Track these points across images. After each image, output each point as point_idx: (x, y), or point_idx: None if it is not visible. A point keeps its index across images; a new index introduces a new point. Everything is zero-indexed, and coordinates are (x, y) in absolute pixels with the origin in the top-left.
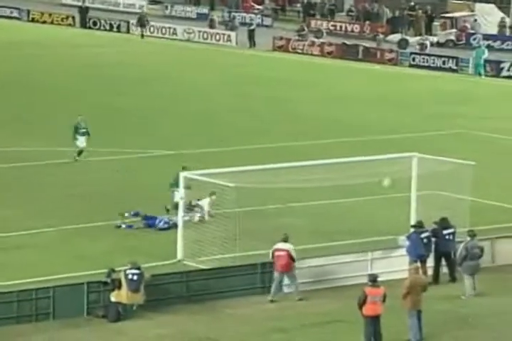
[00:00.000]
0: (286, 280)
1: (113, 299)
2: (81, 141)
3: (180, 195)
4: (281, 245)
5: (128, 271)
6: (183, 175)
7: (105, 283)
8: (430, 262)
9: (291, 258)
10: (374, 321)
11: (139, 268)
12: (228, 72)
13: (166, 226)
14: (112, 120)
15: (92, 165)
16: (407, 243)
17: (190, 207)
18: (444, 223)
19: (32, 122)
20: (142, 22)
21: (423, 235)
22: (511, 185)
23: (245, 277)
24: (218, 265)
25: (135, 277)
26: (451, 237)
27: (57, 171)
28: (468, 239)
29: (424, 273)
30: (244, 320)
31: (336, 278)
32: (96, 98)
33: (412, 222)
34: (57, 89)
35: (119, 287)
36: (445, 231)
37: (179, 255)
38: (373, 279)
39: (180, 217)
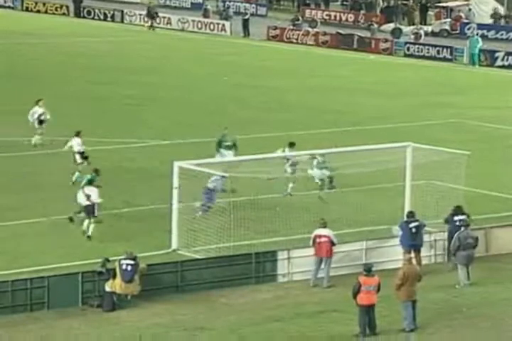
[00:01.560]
0: (321, 265)
1: (108, 289)
2: (226, 155)
3: (175, 184)
4: (322, 231)
5: (122, 261)
6: (177, 164)
7: (100, 273)
8: (425, 252)
9: (333, 244)
10: (368, 310)
11: (134, 259)
12: (222, 62)
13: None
14: (107, 110)
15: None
16: (400, 233)
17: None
18: (457, 210)
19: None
20: (151, 14)
21: (412, 225)
22: (505, 175)
23: (240, 267)
24: (213, 255)
25: (129, 267)
26: (462, 223)
27: (52, 160)
28: (462, 228)
29: (418, 262)
30: (239, 310)
31: (331, 267)
32: (84, 87)
33: (406, 212)
34: (49, 77)
35: (114, 277)
36: (456, 218)
37: (174, 245)
38: (368, 269)
39: (175, 207)
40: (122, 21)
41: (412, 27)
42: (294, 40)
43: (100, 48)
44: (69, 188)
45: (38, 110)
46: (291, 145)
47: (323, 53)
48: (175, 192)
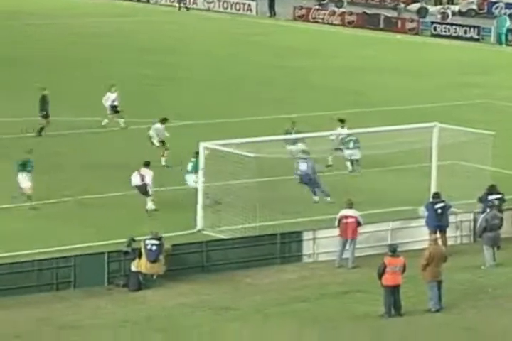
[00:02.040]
0: (347, 246)
1: (133, 268)
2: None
3: (201, 165)
4: (348, 211)
5: (147, 241)
6: (203, 145)
7: (126, 253)
8: (450, 233)
9: (359, 224)
10: (393, 291)
11: (159, 239)
12: (248, 42)
13: None
14: (132, 90)
15: (112, 135)
16: (426, 213)
17: None
18: (491, 189)
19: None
20: None
21: (437, 206)
22: None
23: (265, 247)
24: (238, 235)
25: (154, 248)
26: (496, 202)
27: (77, 141)
28: (488, 209)
29: (444, 243)
30: (264, 290)
31: (356, 248)
32: (110, 67)
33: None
34: (71, 58)
35: (140, 257)
36: (490, 197)
37: (199, 225)
38: (393, 249)
39: (200, 187)
40: (148, 1)
41: (439, 6)
42: (320, 20)
43: (126, 28)
44: (97, 168)
45: (110, 96)
46: (342, 121)
47: (349, 33)
48: (200, 173)
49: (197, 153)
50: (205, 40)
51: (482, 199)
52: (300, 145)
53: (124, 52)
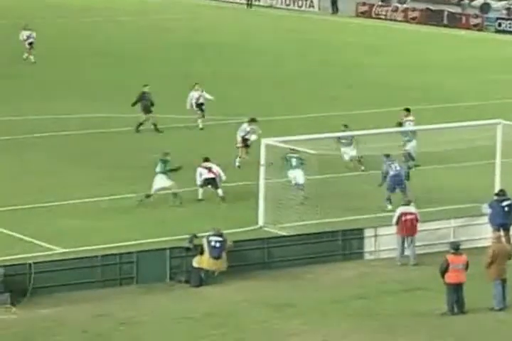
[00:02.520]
0: (406, 244)
1: (195, 265)
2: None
3: (262, 161)
4: (407, 208)
5: (211, 238)
6: (265, 141)
7: (188, 249)
8: None
9: (417, 221)
10: (456, 289)
11: (221, 235)
12: (310, 39)
13: None
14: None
15: (173, 133)
16: (489, 211)
17: None
18: None
19: (108, 89)
20: None
21: (504, 203)
22: None
23: (326, 244)
24: (299, 232)
25: (218, 244)
26: None
27: (142, 137)
28: None
29: (508, 241)
30: (325, 287)
31: (418, 246)
32: (167, 65)
33: (496, 190)
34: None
35: (202, 253)
36: None
37: (260, 221)
38: (456, 247)
39: (262, 183)
40: None
41: (504, 2)
42: (383, 16)
43: (181, 25)
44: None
45: (194, 94)
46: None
47: (412, 29)
48: (262, 169)
49: (166, 153)
50: (266, 36)
51: None
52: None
53: (191, 49)
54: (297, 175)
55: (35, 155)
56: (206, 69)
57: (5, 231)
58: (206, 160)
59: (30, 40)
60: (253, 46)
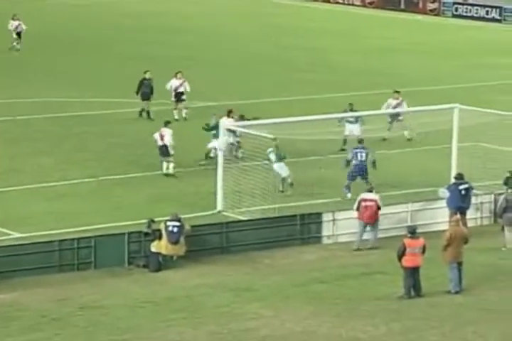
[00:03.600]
0: (367, 229)
1: (153, 249)
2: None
3: (219, 146)
4: (368, 195)
5: (168, 223)
6: (224, 125)
7: (146, 234)
8: (470, 214)
9: (378, 208)
10: (413, 272)
11: (179, 220)
12: (267, 22)
13: None
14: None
15: (131, 116)
16: (447, 194)
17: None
18: None
19: (78, 73)
20: None
21: (461, 187)
22: None
23: (284, 228)
24: (258, 216)
25: (175, 229)
26: None
27: (99, 121)
28: (510, 190)
29: (464, 224)
30: (284, 271)
31: (372, 231)
32: (128, 48)
33: (453, 174)
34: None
35: (160, 238)
36: None
37: (219, 206)
38: (412, 231)
39: (220, 168)
40: None
41: None
42: (341, 1)
43: (144, 9)
44: (116, 148)
45: (174, 82)
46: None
47: (369, 14)
48: (220, 154)
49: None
50: (227, 20)
51: (506, 182)
52: (356, 130)
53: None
54: (280, 169)
55: None
56: (166, 52)
57: None
58: (166, 124)
59: (19, 30)
60: (211, 29)
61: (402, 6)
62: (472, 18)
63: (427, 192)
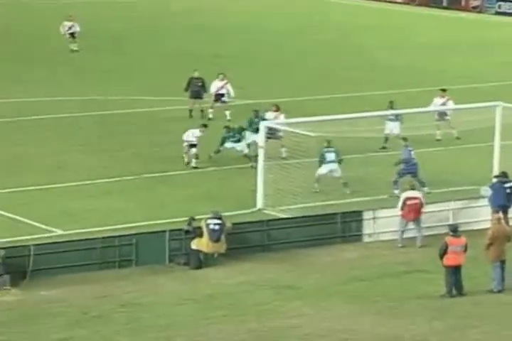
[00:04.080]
0: (411, 226)
1: (194, 247)
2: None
3: (260, 144)
4: (413, 193)
5: (209, 221)
6: (264, 124)
7: (187, 232)
8: None
9: (421, 205)
10: (455, 271)
11: (220, 218)
12: (310, 20)
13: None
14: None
15: (176, 114)
16: (490, 193)
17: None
18: None
19: (117, 71)
20: None
21: (507, 185)
22: None
23: (325, 226)
24: (298, 214)
25: (216, 227)
26: None
27: (143, 119)
28: None
29: (507, 223)
30: (325, 269)
31: (418, 228)
32: (173, 45)
33: (495, 172)
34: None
35: (201, 235)
36: None
37: (259, 204)
38: (454, 229)
39: (260, 166)
40: None
41: None
42: None
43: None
44: (158, 146)
45: (217, 84)
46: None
47: (412, 11)
48: (261, 151)
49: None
50: (266, 18)
51: None
52: (396, 128)
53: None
54: (333, 169)
55: (38, 137)
56: (209, 51)
57: (5, 213)
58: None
59: (72, 31)
60: (254, 27)
61: (445, 4)
62: None
63: (469, 191)
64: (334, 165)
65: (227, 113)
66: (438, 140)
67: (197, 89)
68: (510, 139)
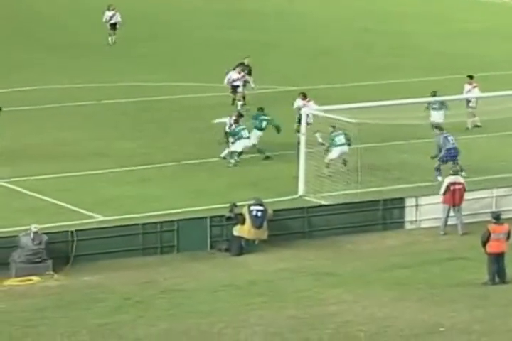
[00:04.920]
0: (452, 213)
1: (235, 233)
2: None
3: (302, 131)
4: (456, 178)
5: (252, 207)
6: (304, 110)
7: (228, 218)
8: None
9: (465, 191)
10: (498, 259)
11: (262, 204)
12: (349, 6)
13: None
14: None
15: (215, 100)
16: None
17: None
18: None
19: (160, 58)
20: None
21: None
22: None
23: (367, 213)
24: (339, 201)
25: (259, 213)
26: None
27: (182, 106)
28: None
29: None
30: (366, 256)
31: (458, 216)
32: (206, 32)
33: None
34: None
35: (243, 222)
36: None
37: (300, 191)
38: (497, 216)
39: (302, 153)
40: None
41: None
42: None
43: None
44: (199, 133)
45: (232, 75)
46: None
47: None
48: (302, 138)
49: (260, 109)
50: (308, 4)
51: None
52: (439, 117)
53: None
54: (344, 152)
55: (80, 123)
56: (245, 37)
57: (48, 199)
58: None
59: (113, 21)
60: (292, 13)
61: None
62: None
63: (511, 178)
64: (345, 148)
65: (239, 103)
66: (467, 128)
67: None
68: None
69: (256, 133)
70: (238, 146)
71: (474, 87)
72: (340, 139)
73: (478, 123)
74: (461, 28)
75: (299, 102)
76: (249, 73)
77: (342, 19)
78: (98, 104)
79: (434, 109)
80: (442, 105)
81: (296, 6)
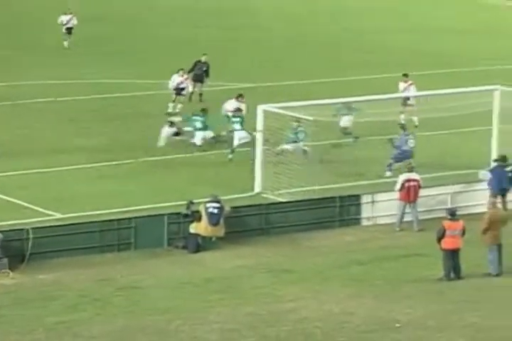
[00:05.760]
0: (408, 209)
1: (192, 231)
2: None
3: (259, 127)
4: (411, 175)
5: (208, 205)
6: (261, 108)
7: (185, 215)
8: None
9: (420, 188)
10: (453, 255)
11: (218, 202)
12: (317, 4)
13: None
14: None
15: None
16: (489, 177)
17: None
18: None
19: (128, 55)
20: None
21: (508, 169)
22: None
23: (324, 210)
24: (297, 198)
25: (215, 211)
26: None
27: (144, 103)
28: None
29: (504, 207)
30: (323, 253)
31: (413, 212)
32: (174, 30)
33: (494, 156)
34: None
35: (199, 219)
36: None
37: (257, 188)
38: (452, 213)
39: (258, 150)
40: None
41: None
42: None
43: None
44: (157, 130)
45: (176, 78)
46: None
47: None
48: (258, 135)
49: (203, 110)
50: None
51: None
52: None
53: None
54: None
55: (40, 120)
56: (213, 35)
57: (3, 196)
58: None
59: (70, 25)
60: (258, 10)
61: None
62: None
63: (468, 174)
64: (300, 144)
65: (171, 105)
66: (415, 126)
67: (200, 72)
68: (509, 123)
69: (198, 135)
70: (197, 140)
71: (410, 84)
72: (300, 136)
73: (417, 123)
74: (428, 24)
75: (232, 103)
76: (207, 70)
77: (311, 17)
78: (57, 101)
79: (343, 114)
80: (350, 111)
81: (268, 3)
